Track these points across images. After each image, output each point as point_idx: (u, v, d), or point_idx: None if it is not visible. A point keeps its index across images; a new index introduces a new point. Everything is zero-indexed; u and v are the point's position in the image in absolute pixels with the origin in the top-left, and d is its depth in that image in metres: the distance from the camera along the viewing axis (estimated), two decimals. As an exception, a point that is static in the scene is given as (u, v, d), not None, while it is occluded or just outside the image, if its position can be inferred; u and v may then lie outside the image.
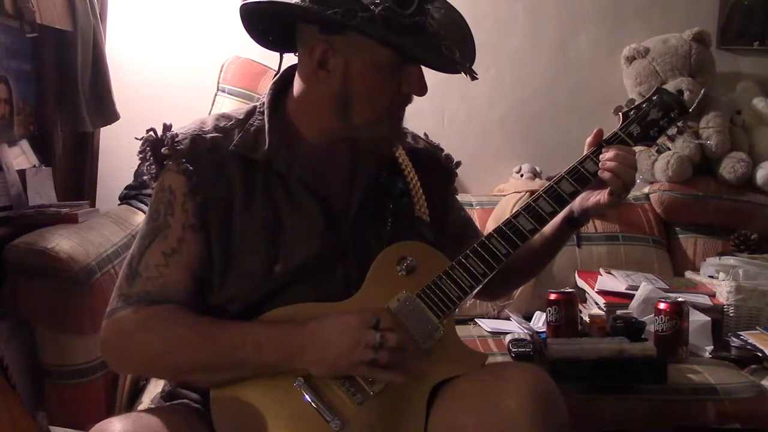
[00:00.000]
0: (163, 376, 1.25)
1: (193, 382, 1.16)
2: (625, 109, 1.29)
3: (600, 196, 1.24)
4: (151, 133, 1.18)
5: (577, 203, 1.26)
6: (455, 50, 1.11)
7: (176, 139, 1.15)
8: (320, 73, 1.13)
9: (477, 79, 1.14)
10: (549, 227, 1.28)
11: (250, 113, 1.21)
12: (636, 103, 1.29)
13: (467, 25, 1.17)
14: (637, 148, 1.26)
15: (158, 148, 1.16)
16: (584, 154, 1.25)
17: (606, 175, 1.21)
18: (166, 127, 1.17)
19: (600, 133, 1.26)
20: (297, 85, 1.19)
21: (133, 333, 1.09)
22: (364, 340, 1.05)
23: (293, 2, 1.09)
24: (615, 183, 1.21)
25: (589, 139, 1.27)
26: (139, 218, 1.88)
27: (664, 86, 1.34)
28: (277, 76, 1.23)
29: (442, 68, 1.12)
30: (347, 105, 1.14)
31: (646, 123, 1.27)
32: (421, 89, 1.14)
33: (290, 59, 1.22)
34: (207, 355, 1.08)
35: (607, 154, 1.21)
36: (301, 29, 1.15)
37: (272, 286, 1.13)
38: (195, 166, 1.13)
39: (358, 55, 1.11)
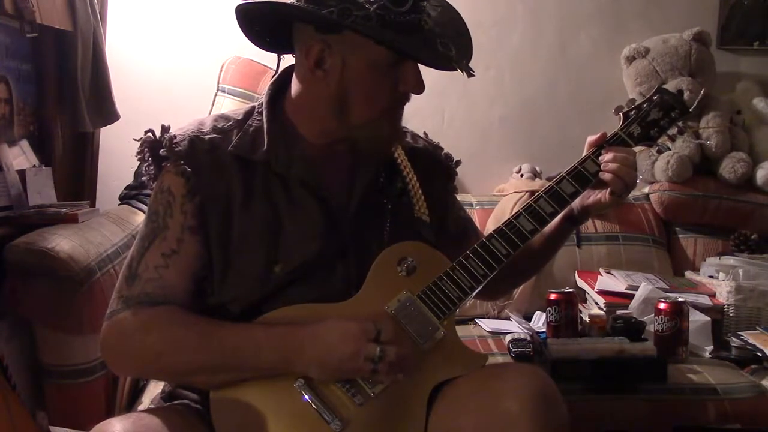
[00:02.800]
0: (163, 377, 1.24)
1: (192, 384, 1.16)
2: (626, 109, 1.29)
3: (601, 195, 1.24)
4: (150, 134, 1.17)
5: (577, 202, 1.26)
6: (451, 47, 1.11)
7: (174, 141, 1.15)
8: (317, 73, 1.12)
9: (474, 75, 1.13)
10: (549, 226, 1.27)
11: (249, 114, 1.21)
12: (636, 103, 1.29)
13: (464, 22, 1.17)
14: (637, 148, 1.25)
15: (156, 149, 1.16)
16: (584, 154, 1.25)
17: (607, 176, 1.21)
18: (165, 129, 1.17)
19: (604, 136, 1.25)
20: (294, 85, 1.18)
21: (133, 335, 1.09)
22: (364, 351, 1.05)
23: (288, 2, 1.08)
24: (616, 184, 1.21)
25: (591, 139, 1.26)
26: (139, 218, 1.88)
27: (664, 86, 1.34)
28: (276, 76, 1.23)
29: (437, 65, 1.12)
30: (344, 104, 1.13)
31: (647, 123, 1.26)
32: (418, 87, 1.14)
33: (290, 59, 1.22)
34: (206, 357, 1.08)
35: (608, 155, 1.21)
36: (298, 29, 1.14)
37: (272, 287, 1.13)
38: (193, 168, 1.13)
39: (354, 54, 1.10)
